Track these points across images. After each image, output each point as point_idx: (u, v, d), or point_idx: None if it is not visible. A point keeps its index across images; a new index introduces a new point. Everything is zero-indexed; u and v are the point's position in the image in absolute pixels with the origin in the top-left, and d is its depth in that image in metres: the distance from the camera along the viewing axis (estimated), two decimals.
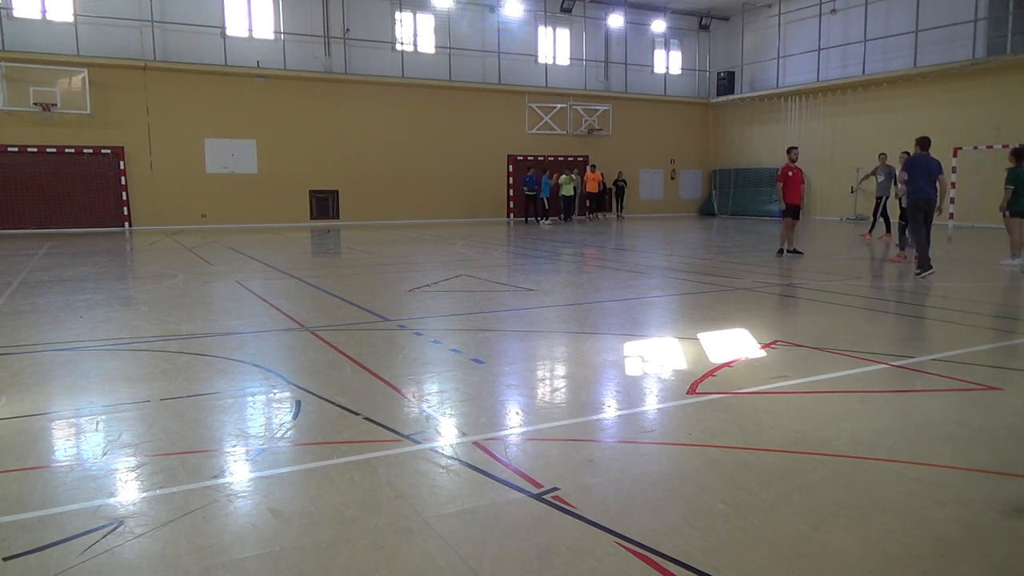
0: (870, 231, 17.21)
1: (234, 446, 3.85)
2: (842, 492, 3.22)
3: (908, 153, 12.40)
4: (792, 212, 13.44)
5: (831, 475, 3.42)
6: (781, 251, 13.44)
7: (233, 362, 5.66)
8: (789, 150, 13.74)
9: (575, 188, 25.41)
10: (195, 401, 4.64)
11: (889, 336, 6.81)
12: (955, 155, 20.32)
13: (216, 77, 22.01)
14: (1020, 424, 4.10)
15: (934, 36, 21.94)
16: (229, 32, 22.26)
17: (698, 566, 2.59)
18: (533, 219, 24.62)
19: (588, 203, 26.73)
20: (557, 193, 25.15)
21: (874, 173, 16.79)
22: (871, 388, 4.87)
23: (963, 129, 20.90)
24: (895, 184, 14.95)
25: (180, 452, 3.73)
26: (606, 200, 27.38)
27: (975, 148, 19.94)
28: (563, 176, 25.24)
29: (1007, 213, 11.50)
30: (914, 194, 10.75)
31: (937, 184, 10.81)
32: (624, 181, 27.87)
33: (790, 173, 13.39)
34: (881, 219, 16.65)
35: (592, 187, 26.22)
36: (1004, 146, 17.86)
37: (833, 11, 25.20)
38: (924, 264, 10.48)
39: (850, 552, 2.70)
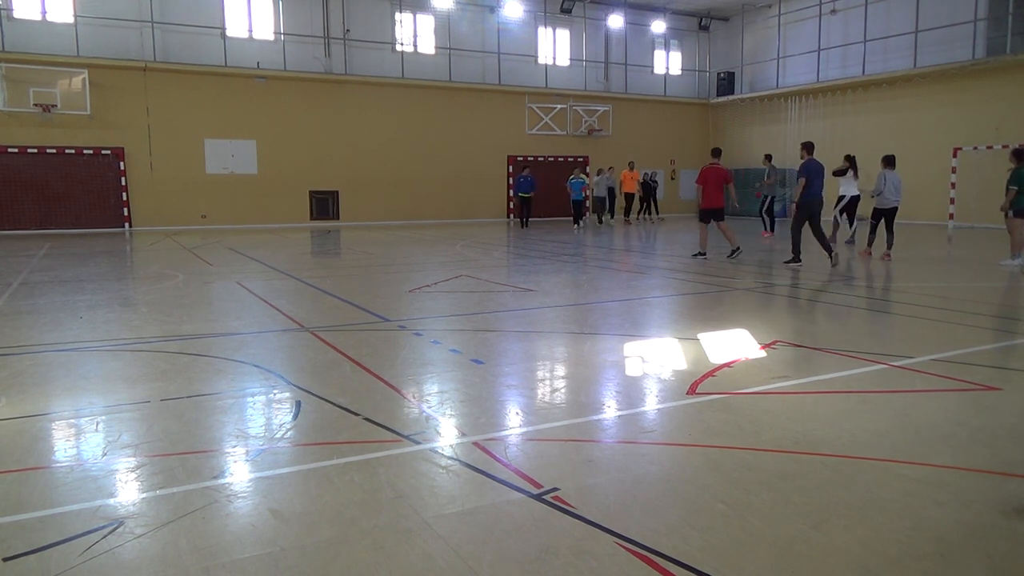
0: (770, 230, 18.21)
1: (234, 446, 3.85)
2: (842, 492, 3.22)
3: (888, 158, 13.20)
4: (708, 216, 13.21)
5: (831, 475, 3.42)
6: (732, 251, 13.19)
7: (233, 363, 5.67)
8: (714, 151, 13.74)
9: (610, 188, 23.55)
10: (195, 402, 4.64)
11: (888, 336, 6.81)
12: (955, 155, 20.32)
13: (216, 78, 22.02)
14: (1020, 424, 4.10)
15: (934, 36, 21.94)
16: (229, 33, 22.26)
17: (698, 566, 2.59)
18: (524, 223, 22.79)
19: (627, 204, 24.97)
20: (591, 194, 23.61)
21: (768, 175, 18.18)
22: (871, 388, 4.87)
23: (963, 129, 20.90)
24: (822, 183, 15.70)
25: (180, 452, 3.74)
26: (646, 201, 25.02)
27: (975, 148, 19.94)
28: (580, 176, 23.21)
29: (1009, 213, 11.51)
30: (810, 196, 11.80)
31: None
32: (655, 181, 25.49)
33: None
34: (765, 217, 18.16)
35: (630, 187, 24.25)
36: (1004, 146, 17.87)
37: (833, 11, 25.20)
38: (797, 255, 11.97)
39: (850, 552, 2.70)
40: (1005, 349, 6.28)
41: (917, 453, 3.68)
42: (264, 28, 22.84)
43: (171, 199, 21.77)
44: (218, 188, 22.42)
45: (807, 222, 11.93)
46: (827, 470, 3.49)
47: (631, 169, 24.34)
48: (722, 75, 29.84)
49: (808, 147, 12.25)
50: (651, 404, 4.65)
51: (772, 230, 18.11)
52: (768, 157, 18.27)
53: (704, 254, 13.25)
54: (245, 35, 22.60)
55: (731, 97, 29.31)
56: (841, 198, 15.27)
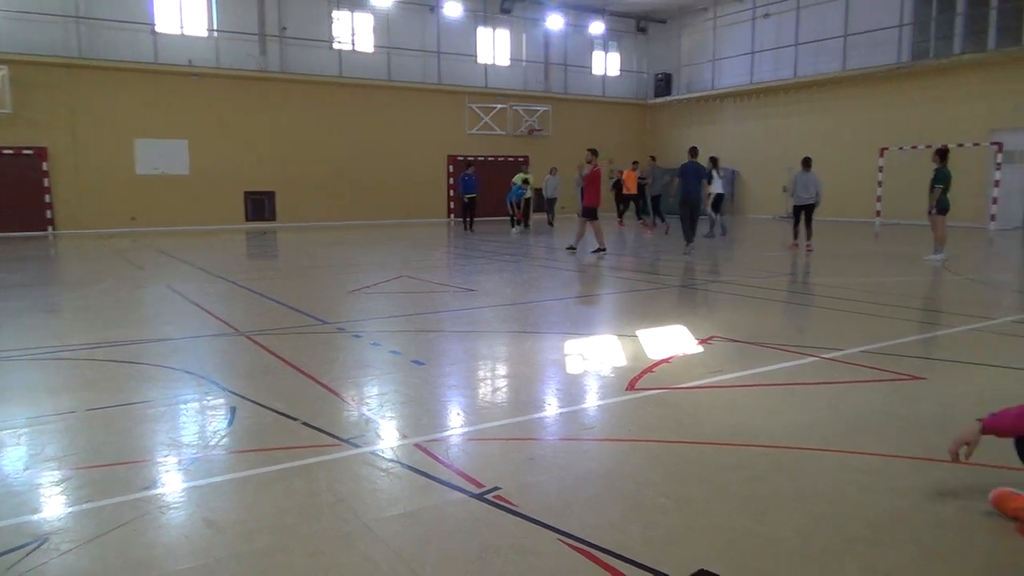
0: (653, 226, 19.86)
1: (166, 456, 3.72)
2: (777, 482, 3.30)
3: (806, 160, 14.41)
4: (592, 212, 13.61)
5: (767, 466, 3.50)
6: (595, 249, 13.55)
7: (165, 369, 5.48)
8: (593, 152, 14.11)
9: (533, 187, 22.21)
10: (124, 411, 4.47)
11: (820, 330, 7.02)
12: (882, 155, 21.09)
13: (146, 75, 21.30)
14: (943, 412, 4.27)
15: (862, 40, 22.72)
16: (159, 29, 21.55)
17: (639, 559, 2.61)
18: (468, 225, 21.27)
19: (621, 206, 22.80)
20: (542, 195, 22.19)
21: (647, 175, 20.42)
22: (804, 380, 5.01)
23: (889, 130, 21.71)
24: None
25: (108, 464, 3.59)
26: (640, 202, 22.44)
27: (900, 148, 20.73)
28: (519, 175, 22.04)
29: (933, 211, 12.00)
30: (684, 194, 13.68)
31: (703, 184, 14.26)
32: (645, 178, 22.20)
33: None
34: (655, 214, 19.91)
35: (633, 187, 21.77)
36: (928, 146, 18.64)
37: (766, 15, 25.90)
38: (689, 241, 13.70)
39: (787, 541, 2.76)
40: (929, 340, 6.54)
41: (848, 442, 3.80)
42: (196, 24, 22.21)
43: (98, 201, 20.96)
44: (149, 189, 21.69)
45: (689, 216, 13.81)
46: (763, 461, 3.57)
47: (634, 168, 21.92)
48: (659, 76, 30.34)
49: (692, 151, 14.28)
50: (591, 401, 4.68)
51: (663, 222, 20.22)
52: (652, 158, 20.65)
53: (603, 248, 13.59)
54: (176, 31, 21.92)
55: (668, 98, 29.83)
56: (708, 195, 16.95)
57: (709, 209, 17.85)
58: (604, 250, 13.47)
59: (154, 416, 4.37)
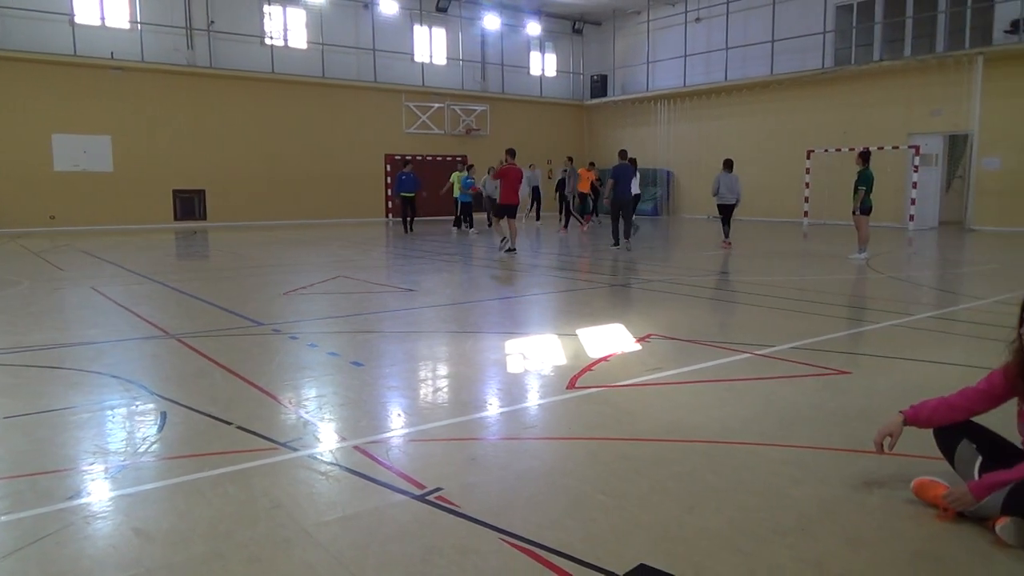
0: (565, 226, 20.20)
1: (91, 464, 3.57)
2: (712, 476, 3.38)
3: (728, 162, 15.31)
4: (504, 211, 13.84)
5: (702, 460, 3.58)
6: (507, 248, 13.73)
7: (89, 374, 5.27)
8: (509, 152, 14.42)
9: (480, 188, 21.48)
10: (45, 418, 4.27)
11: (752, 327, 7.22)
12: (808, 157, 21.83)
13: (64, 68, 20.38)
14: (868, 405, 4.45)
15: (788, 46, 23.46)
16: (78, 20, 20.67)
17: (580, 556, 2.64)
18: (407, 226, 20.18)
19: (568, 204, 22.03)
20: (481, 195, 21.33)
21: (563, 175, 20.66)
22: (738, 376, 5.14)
23: (814, 133, 22.49)
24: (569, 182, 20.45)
25: (28, 474, 3.43)
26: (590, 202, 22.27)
27: (825, 151, 21.49)
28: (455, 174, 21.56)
29: (857, 211, 12.48)
30: (619, 195, 14.69)
31: (634, 184, 15.33)
32: (599, 179, 22.17)
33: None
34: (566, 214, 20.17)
35: (585, 187, 21.62)
36: (851, 149, 19.39)
37: (698, 19, 26.50)
38: (616, 240, 14.73)
39: (720, 532, 2.83)
40: (854, 336, 6.81)
41: (779, 435, 3.92)
42: (118, 16, 21.38)
43: (13, 199, 19.96)
44: (68, 187, 20.78)
45: (620, 216, 14.75)
46: (699, 456, 3.65)
47: (590, 169, 22.09)
48: (595, 78, 30.70)
49: (622, 154, 15.28)
50: (532, 400, 4.70)
51: (582, 221, 20.86)
52: (570, 159, 21.65)
53: (513, 249, 13.69)
54: (97, 23, 21.07)
55: (604, 99, 30.21)
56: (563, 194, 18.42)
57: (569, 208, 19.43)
58: (514, 250, 13.60)
59: (78, 423, 4.19)
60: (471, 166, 21.49)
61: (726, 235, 15.16)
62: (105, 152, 21.26)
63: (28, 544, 2.74)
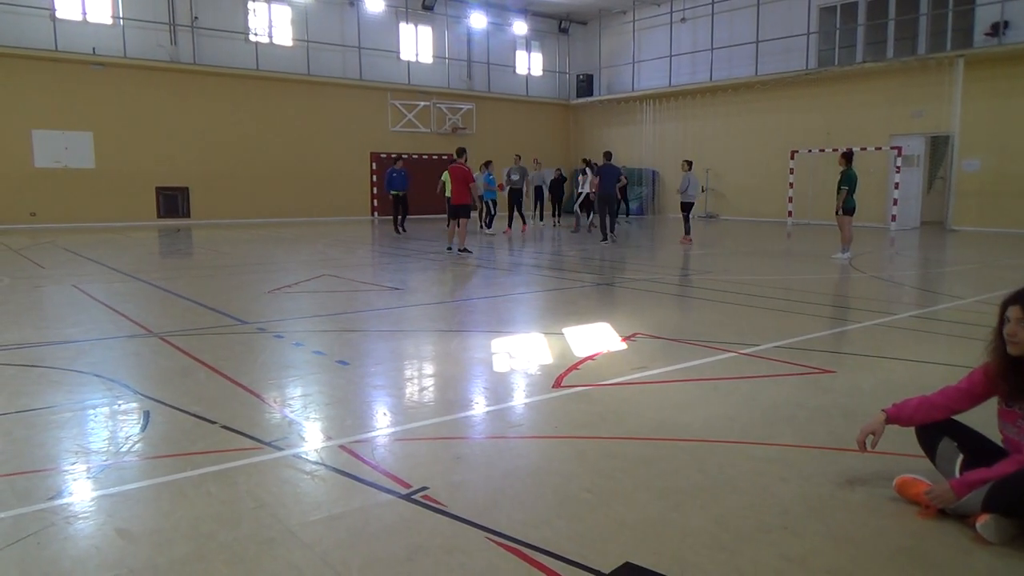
0: (510, 226, 19.73)
1: (73, 464, 3.54)
2: (697, 474, 3.39)
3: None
4: (457, 212, 13.67)
5: (687, 459, 3.60)
6: (453, 248, 13.68)
7: (70, 373, 5.21)
8: (458, 151, 14.40)
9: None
10: (24, 417, 4.22)
11: (737, 326, 7.26)
12: (792, 157, 21.95)
13: (45, 63, 20.13)
14: (851, 403, 4.49)
15: (773, 47, 23.59)
16: (59, 15, 20.42)
17: (566, 554, 2.64)
18: (398, 226, 19.44)
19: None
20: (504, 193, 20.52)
21: (509, 173, 20.08)
22: (722, 375, 5.17)
23: (798, 133, 22.63)
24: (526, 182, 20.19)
25: (7, 474, 3.38)
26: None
27: (809, 151, 21.63)
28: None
29: (840, 211, 12.57)
30: (604, 192, 15.96)
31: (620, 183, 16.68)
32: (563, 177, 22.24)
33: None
34: (518, 213, 19.87)
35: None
36: (834, 149, 19.52)
37: (683, 19, 26.58)
38: (605, 236, 15.79)
39: (706, 530, 2.84)
40: (837, 335, 6.86)
41: (764, 434, 3.94)
42: (100, 11, 21.15)
43: None
44: (49, 183, 20.54)
45: (608, 212, 15.94)
46: (684, 454, 3.66)
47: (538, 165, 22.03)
48: (581, 77, 30.73)
49: (607, 155, 16.49)
50: (518, 399, 4.70)
51: (511, 226, 19.92)
52: (517, 157, 21.41)
53: (467, 249, 13.66)
54: (78, 17, 20.83)
55: (590, 99, 30.25)
56: (579, 195, 18.60)
57: (577, 207, 19.79)
58: (469, 252, 13.60)
59: (59, 422, 4.14)
60: (489, 161, 20.16)
61: (687, 231, 16.08)
62: (87, 148, 21.03)
63: (7, 545, 2.71)
